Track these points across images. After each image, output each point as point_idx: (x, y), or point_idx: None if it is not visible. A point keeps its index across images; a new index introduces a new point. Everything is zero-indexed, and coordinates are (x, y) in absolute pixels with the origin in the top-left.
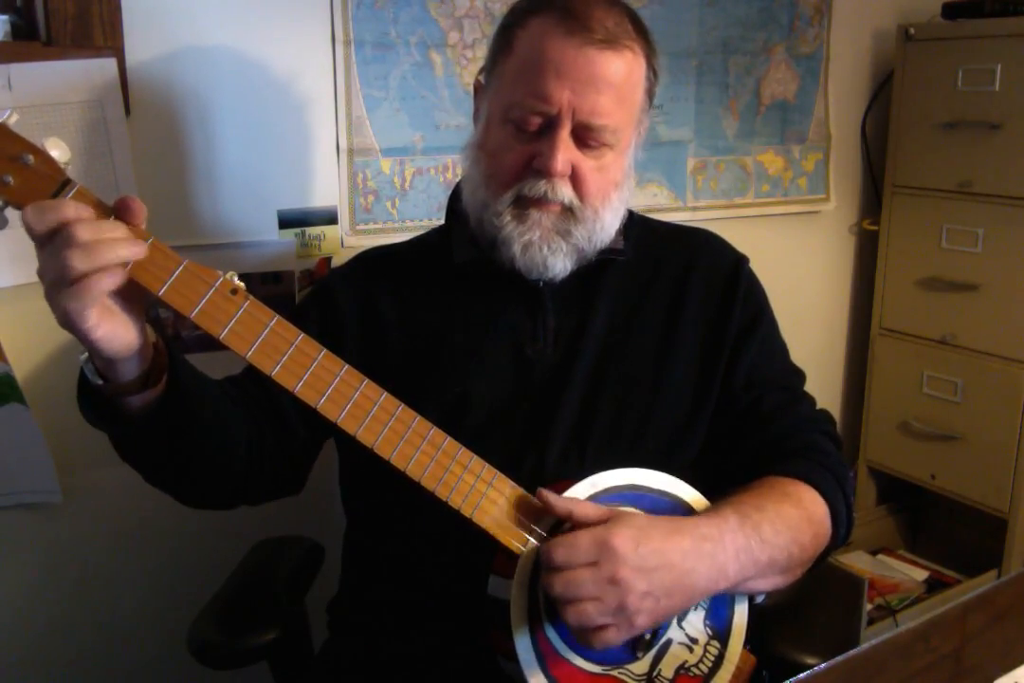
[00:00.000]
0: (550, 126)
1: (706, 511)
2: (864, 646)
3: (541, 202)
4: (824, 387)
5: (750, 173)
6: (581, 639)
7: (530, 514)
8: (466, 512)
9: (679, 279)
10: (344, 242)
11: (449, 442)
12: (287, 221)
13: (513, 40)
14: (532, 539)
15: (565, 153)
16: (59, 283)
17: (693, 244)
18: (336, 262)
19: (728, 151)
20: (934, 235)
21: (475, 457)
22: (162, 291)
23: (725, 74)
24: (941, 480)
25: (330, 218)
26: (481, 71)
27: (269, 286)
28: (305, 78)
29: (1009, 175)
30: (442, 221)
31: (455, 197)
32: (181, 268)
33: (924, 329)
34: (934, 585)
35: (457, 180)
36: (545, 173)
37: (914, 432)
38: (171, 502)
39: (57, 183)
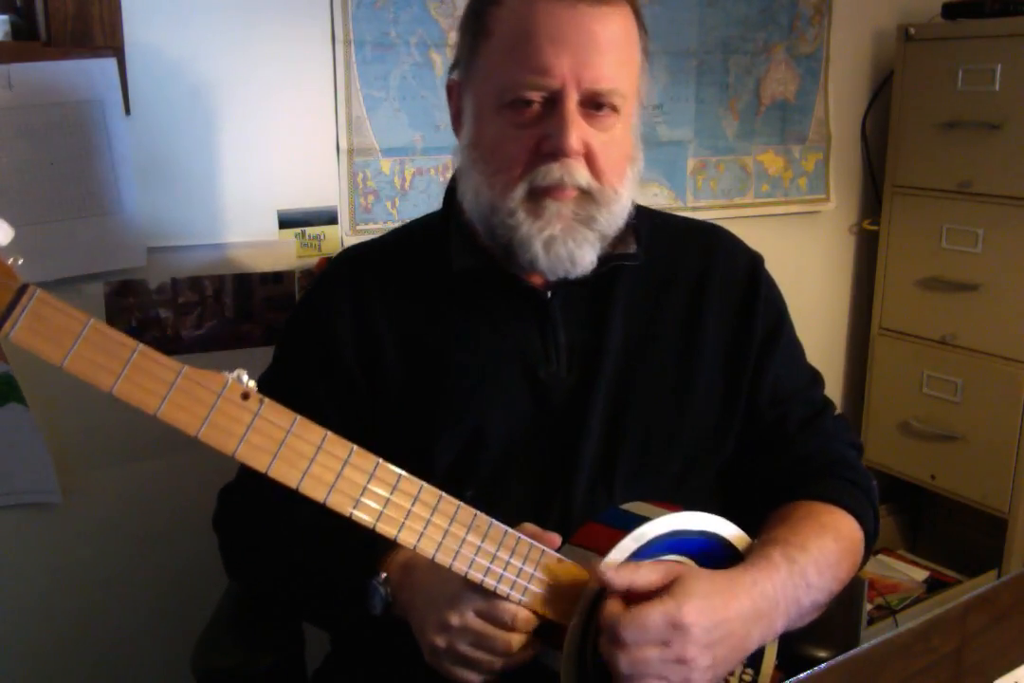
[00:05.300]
0: (554, 102)
1: (754, 556)
2: (864, 646)
3: (557, 189)
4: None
5: (750, 173)
6: None
7: (575, 581)
8: (514, 599)
9: (696, 284)
10: (344, 242)
11: (494, 527)
12: (287, 221)
13: (488, 21)
14: (579, 606)
15: (577, 129)
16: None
17: (707, 244)
18: None
19: (728, 151)
20: (934, 235)
21: (521, 537)
22: (160, 409)
23: (725, 74)
24: (941, 480)
25: (330, 218)
26: (452, 70)
27: (269, 286)
28: (305, 78)
29: (1009, 175)
30: None
31: (449, 197)
32: (180, 376)
33: (924, 329)
34: (934, 585)
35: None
36: (559, 153)
37: (914, 432)
38: (170, 502)
39: (12, 291)
